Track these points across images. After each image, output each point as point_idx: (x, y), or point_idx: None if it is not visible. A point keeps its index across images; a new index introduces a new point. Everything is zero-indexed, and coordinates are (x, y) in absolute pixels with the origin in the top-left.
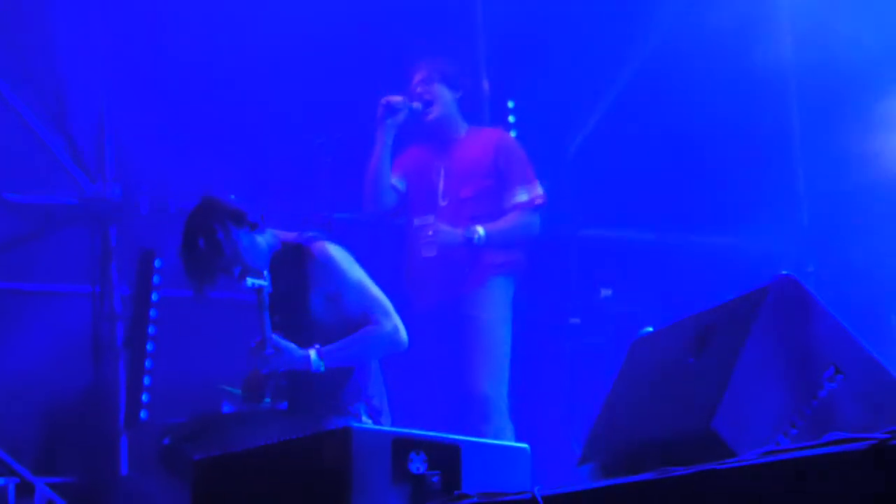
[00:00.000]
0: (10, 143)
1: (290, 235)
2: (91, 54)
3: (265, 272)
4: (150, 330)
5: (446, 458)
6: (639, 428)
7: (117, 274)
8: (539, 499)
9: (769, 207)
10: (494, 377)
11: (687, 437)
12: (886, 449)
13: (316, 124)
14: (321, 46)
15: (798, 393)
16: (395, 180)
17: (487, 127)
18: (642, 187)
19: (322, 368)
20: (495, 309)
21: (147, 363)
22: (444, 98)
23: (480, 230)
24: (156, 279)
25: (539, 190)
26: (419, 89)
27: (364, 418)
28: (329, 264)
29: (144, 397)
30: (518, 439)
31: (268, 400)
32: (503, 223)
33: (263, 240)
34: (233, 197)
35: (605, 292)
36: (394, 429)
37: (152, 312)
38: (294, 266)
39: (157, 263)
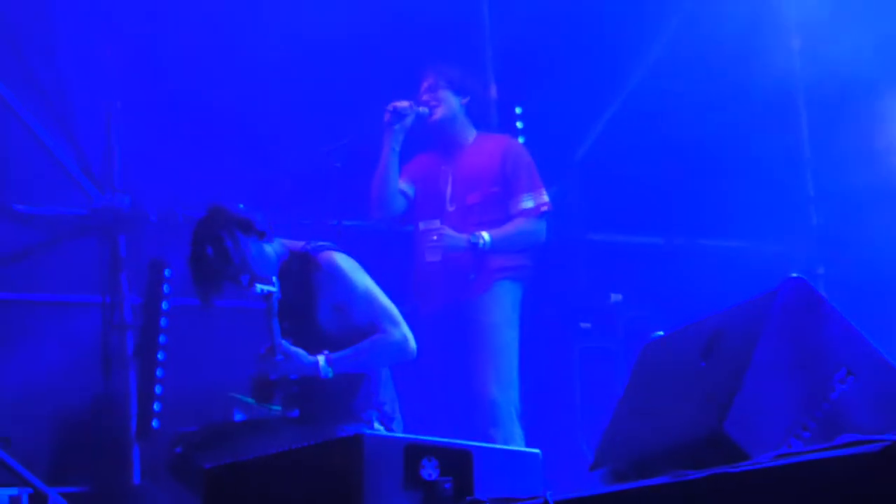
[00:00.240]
0: (19, 153)
1: (298, 244)
2: (99, 64)
3: (274, 278)
4: (161, 339)
5: (458, 464)
6: (651, 432)
7: (127, 284)
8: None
9: (779, 210)
10: (502, 381)
11: (699, 440)
12: None
13: (324, 132)
14: (329, 53)
15: (810, 395)
16: (404, 186)
17: (496, 133)
18: (651, 191)
19: (330, 375)
20: (501, 313)
21: (158, 372)
22: (450, 103)
23: (485, 235)
24: (165, 288)
25: (545, 197)
26: (425, 96)
27: (376, 425)
28: (336, 274)
29: (156, 406)
30: (529, 444)
31: (279, 407)
32: (508, 229)
33: (271, 248)
34: (241, 206)
35: (615, 297)
36: (406, 435)
37: (162, 322)
38: (301, 276)
39: (166, 273)
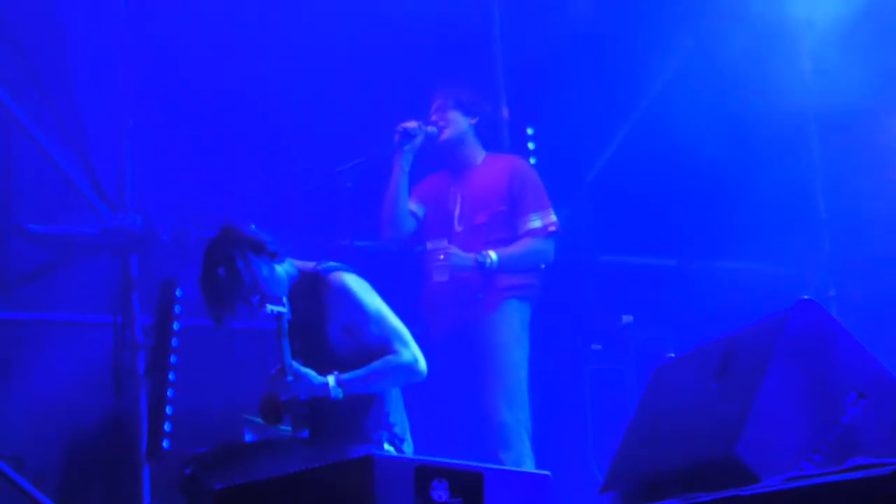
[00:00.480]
0: (32, 173)
1: (309, 265)
2: (112, 84)
3: (284, 299)
4: (172, 359)
5: (469, 485)
6: (661, 454)
7: (139, 303)
8: None
9: (790, 233)
10: (512, 403)
11: (710, 462)
12: None
13: (335, 152)
14: (341, 73)
15: (821, 418)
16: (414, 207)
17: (505, 153)
18: (662, 213)
19: (340, 396)
20: (510, 332)
21: (169, 393)
22: (458, 123)
23: (493, 255)
24: (177, 308)
25: (553, 217)
26: (434, 116)
27: (386, 446)
28: (346, 295)
29: (166, 427)
30: (539, 466)
31: (289, 428)
32: (516, 248)
33: (282, 269)
34: (252, 226)
35: (627, 318)
36: (416, 457)
37: (174, 342)
38: (312, 297)
39: (178, 293)
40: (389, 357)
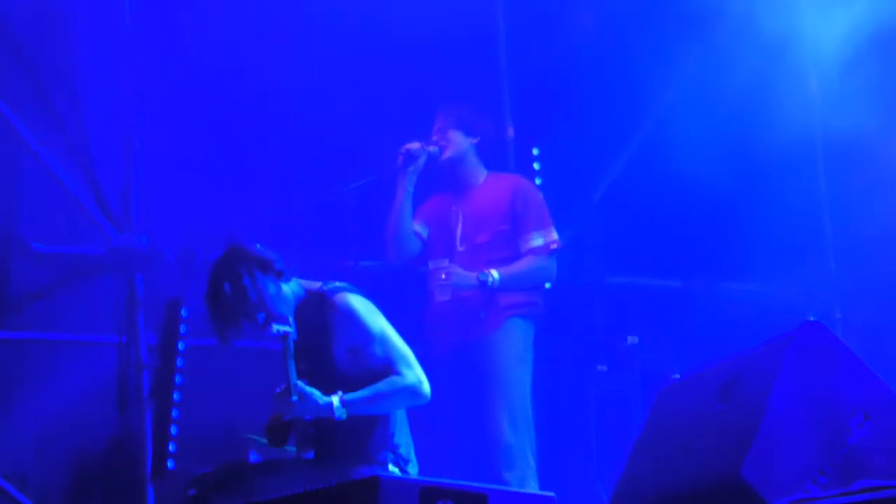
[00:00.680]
0: (37, 193)
1: (315, 285)
2: (117, 104)
3: (290, 318)
4: (177, 379)
5: None
6: (666, 476)
7: (144, 323)
8: None
9: (796, 254)
10: (516, 423)
11: (715, 485)
12: None
13: (341, 172)
14: (346, 93)
15: (827, 439)
16: (418, 228)
17: (507, 173)
18: (668, 234)
19: (344, 416)
20: (513, 350)
21: (174, 413)
22: (459, 143)
23: (495, 273)
24: (182, 328)
25: (554, 235)
26: (435, 136)
27: (391, 467)
28: (352, 316)
29: (171, 447)
30: (544, 487)
31: (294, 448)
32: (518, 266)
33: (289, 288)
34: (259, 246)
35: (632, 339)
36: (421, 478)
37: (179, 362)
38: (317, 317)
39: (183, 313)
40: (394, 378)
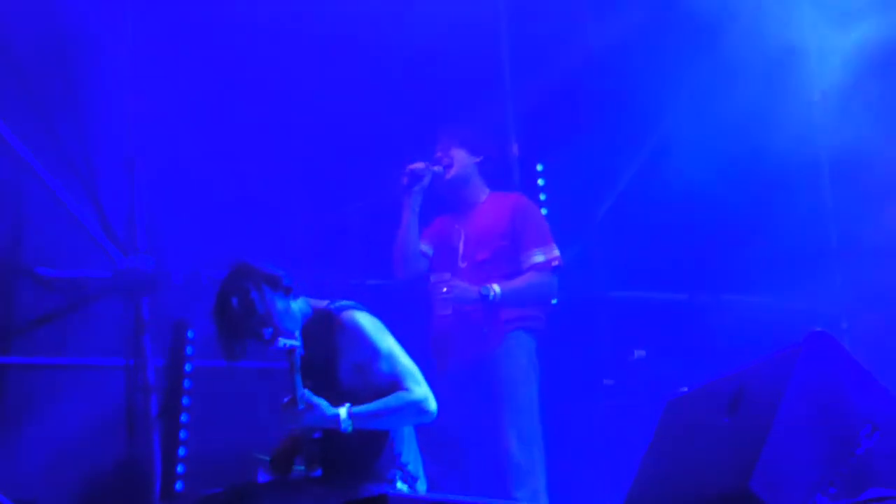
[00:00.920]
0: (42, 217)
1: (322, 304)
2: (120, 126)
3: (297, 334)
4: (184, 401)
5: None
6: (675, 489)
7: (150, 345)
8: None
9: (802, 265)
10: (524, 439)
11: (724, 497)
12: None
13: (347, 192)
14: (351, 113)
15: (835, 450)
16: (425, 247)
17: (509, 191)
18: (674, 247)
19: (350, 429)
20: (517, 368)
21: (182, 434)
22: (463, 162)
23: (496, 288)
24: (189, 350)
25: (556, 252)
26: (438, 154)
27: (399, 484)
28: (358, 334)
29: (180, 468)
30: (553, 502)
31: (301, 467)
32: (519, 282)
33: (296, 305)
34: (267, 262)
35: (639, 353)
36: (430, 495)
37: (186, 383)
38: (324, 334)
39: (189, 334)
40: (401, 393)
